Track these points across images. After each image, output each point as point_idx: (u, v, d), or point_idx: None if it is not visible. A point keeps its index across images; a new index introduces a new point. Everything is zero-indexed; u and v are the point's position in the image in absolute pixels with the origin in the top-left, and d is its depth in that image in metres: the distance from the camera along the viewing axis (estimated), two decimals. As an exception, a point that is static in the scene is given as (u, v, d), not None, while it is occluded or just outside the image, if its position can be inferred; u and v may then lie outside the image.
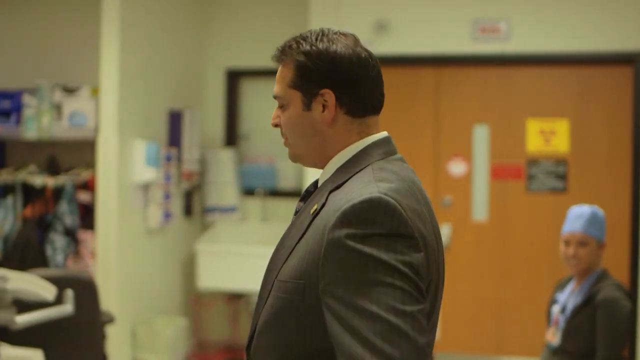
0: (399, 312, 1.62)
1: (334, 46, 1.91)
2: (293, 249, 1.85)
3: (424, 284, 1.71)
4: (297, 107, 1.94)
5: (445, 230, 6.49)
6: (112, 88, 5.97)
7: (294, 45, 1.94)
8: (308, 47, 1.92)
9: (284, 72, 1.96)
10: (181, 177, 6.91)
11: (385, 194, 1.73)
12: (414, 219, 1.74)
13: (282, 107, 1.98)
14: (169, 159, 6.61)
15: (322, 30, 1.96)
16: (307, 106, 1.93)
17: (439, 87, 6.70)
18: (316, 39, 1.93)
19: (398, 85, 6.52)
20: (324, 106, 1.91)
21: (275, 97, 1.99)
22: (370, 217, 1.70)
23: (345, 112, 1.92)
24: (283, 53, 1.97)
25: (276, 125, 2.01)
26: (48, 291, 3.95)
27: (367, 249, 1.67)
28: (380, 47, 6.35)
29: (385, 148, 1.94)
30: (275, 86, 2.00)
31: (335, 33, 1.95)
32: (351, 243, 1.68)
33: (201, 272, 6.72)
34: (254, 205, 7.29)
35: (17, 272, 4.07)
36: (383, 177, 1.80)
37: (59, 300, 4.09)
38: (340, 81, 1.91)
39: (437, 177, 6.65)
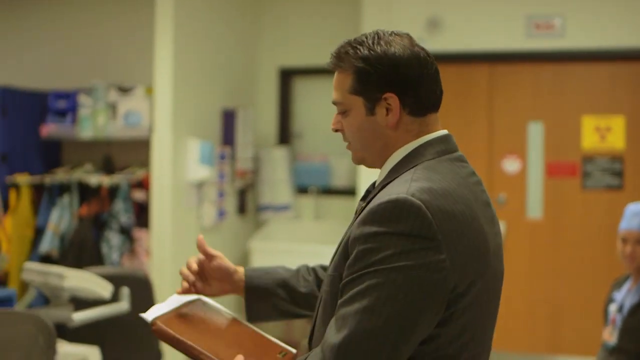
0: (380, 301, 1.70)
1: (392, 48, 1.90)
2: (339, 245, 1.91)
3: (445, 284, 1.73)
4: (359, 112, 1.93)
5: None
6: (166, 87, 6.02)
7: (351, 51, 1.93)
8: (366, 52, 1.90)
9: (342, 79, 1.95)
10: (235, 176, 6.95)
11: (413, 195, 1.75)
12: (442, 221, 1.74)
13: (342, 112, 1.97)
14: (222, 157, 6.65)
15: (377, 33, 1.94)
16: (371, 111, 1.92)
17: (493, 84, 6.65)
18: (373, 43, 1.91)
19: (451, 83, 6.48)
20: (387, 110, 1.91)
21: (334, 104, 1.99)
22: (393, 216, 1.74)
23: (408, 113, 1.92)
24: (339, 59, 1.96)
25: (337, 131, 2.02)
26: (104, 289, 4.00)
27: (382, 245, 1.72)
28: (433, 44, 6.31)
29: (440, 147, 1.94)
30: (333, 92, 1.99)
31: (390, 34, 1.94)
32: (369, 239, 1.74)
33: (255, 270, 6.74)
34: (308, 203, 7.31)
35: (74, 270, 4.13)
36: (420, 177, 1.82)
37: (115, 298, 4.14)
38: (401, 83, 1.90)
39: (491, 175, 6.60)
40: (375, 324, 1.69)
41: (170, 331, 1.95)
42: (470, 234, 1.80)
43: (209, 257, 2.21)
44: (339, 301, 1.76)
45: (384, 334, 1.69)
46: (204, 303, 2.14)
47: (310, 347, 1.98)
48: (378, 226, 1.74)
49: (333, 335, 1.72)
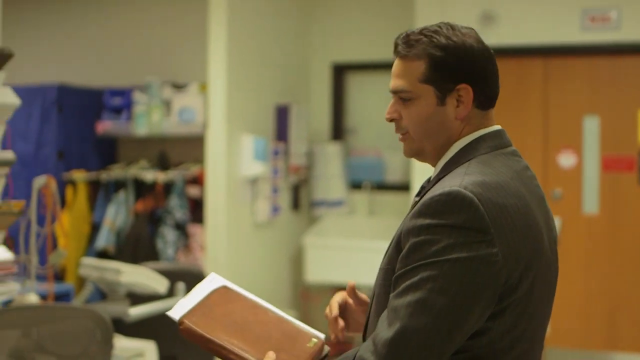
0: (433, 294, 1.70)
1: (468, 40, 1.89)
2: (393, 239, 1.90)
3: (496, 278, 1.72)
4: (429, 102, 1.89)
5: (554, 224, 6.37)
6: (220, 84, 6.06)
7: (424, 39, 1.89)
8: (444, 41, 1.88)
9: (412, 66, 1.90)
10: (289, 171, 6.97)
11: (466, 187, 1.74)
12: (494, 214, 1.74)
13: (404, 101, 1.92)
14: (276, 153, 6.68)
15: (450, 24, 1.92)
16: (441, 101, 1.89)
17: (548, 78, 6.58)
18: (449, 33, 1.89)
19: (506, 77, 6.37)
20: (457, 101, 1.88)
21: (395, 92, 1.93)
22: (445, 209, 1.73)
23: (476, 106, 1.90)
24: (409, 46, 1.91)
25: (392, 120, 1.96)
26: (160, 284, 4.04)
27: (435, 237, 1.72)
28: (487, 38, 6.20)
29: (494, 141, 1.91)
30: (394, 80, 1.93)
31: (461, 27, 1.92)
32: (422, 231, 1.74)
33: (309, 266, 6.77)
34: (361, 198, 7.30)
35: (130, 265, 4.18)
36: (474, 171, 1.81)
37: (170, 293, 4.17)
38: (475, 75, 1.89)
39: (546, 170, 6.54)
40: (428, 317, 1.69)
41: (199, 330, 1.91)
42: (523, 227, 1.79)
43: (359, 302, 2.14)
44: (392, 294, 1.76)
45: (436, 328, 1.69)
46: (228, 290, 2.09)
47: (365, 339, 1.97)
48: (431, 218, 1.74)
49: (385, 328, 1.72)
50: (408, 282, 1.72)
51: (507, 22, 6.46)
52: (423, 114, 1.90)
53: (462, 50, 1.88)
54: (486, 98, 1.92)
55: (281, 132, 6.85)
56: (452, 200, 1.73)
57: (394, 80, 1.94)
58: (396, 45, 1.94)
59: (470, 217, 1.72)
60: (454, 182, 1.77)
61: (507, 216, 1.76)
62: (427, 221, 1.74)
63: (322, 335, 2.07)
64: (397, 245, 1.83)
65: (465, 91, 1.87)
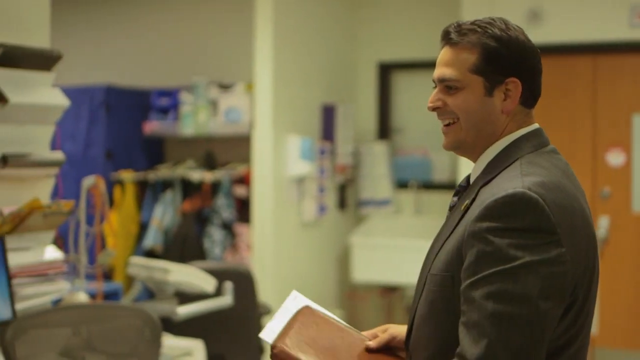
0: (516, 303, 1.65)
1: (521, 36, 1.89)
2: (444, 244, 1.86)
3: (567, 278, 1.71)
4: (477, 92, 1.87)
5: (603, 223, 6.30)
6: (267, 83, 6.07)
7: (478, 29, 1.88)
8: (499, 33, 1.87)
9: (462, 55, 1.88)
10: (335, 171, 6.97)
11: (529, 189, 1.72)
12: (558, 214, 1.72)
13: (450, 89, 1.90)
14: (322, 152, 6.68)
15: (502, 18, 1.91)
16: (489, 92, 1.87)
17: (596, 75, 6.50)
18: (502, 26, 1.88)
19: (554, 76, 6.36)
20: (505, 94, 1.87)
21: (441, 80, 1.91)
22: (512, 211, 1.70)
23: (521, 102, 1.89)
24: (462, 35, 1.89)
25: (434, 109, 1.94)
26: (208, 283, 4.05)
27: (504, 242, 1.68)
28: (534, 36, 6.17)
29: (536, 140, 1.90)
30: (441, 68, 1.91)
31: (513, 24, 1.91)
32: (490, 236, 1.69)
33: (356, 265, 6.76)
34: (408, 198, 7.28)
35: (178, 264, 4.20)
36: (530, 172, 1.79)
37: (218, 292, 4.19)
38: (525, 71, 1.88)
39: (595, 168, 6.46)
40: (515, 329, 1.65)
41: (294, 354, 1.92)
42: (580, 226, 1.78)
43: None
44: (464, 306, 1.71)
45: (525, 338, 1.66)
46: (311, 310, 2.07)
47: (408, 347, 1.94)
48: (497, 222, 1.70)
49: (471, 345, 1.67)
50: (484, 293, 1.68)
51: (554, 19, 6.39)
52: (469, 105, 1.88)
53: (515, 44, 1.87)
54: (532, 95, 1.90)
55: (327, 132, 6.84)
56: (518, 202, 1.70)
57: (440, 69, 1.91)
58: (447, 33, 1.91)
59: (537, 219, 1.69)
60: (515, 184, 1.74)
61: (568, 216, 1.74)
62: (493, 224, 1.70)
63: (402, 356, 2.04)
64: (458, 251, 1.79)
65: (514, 85, 1.86)
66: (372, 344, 2.02)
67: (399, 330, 2.04)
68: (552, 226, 1.70)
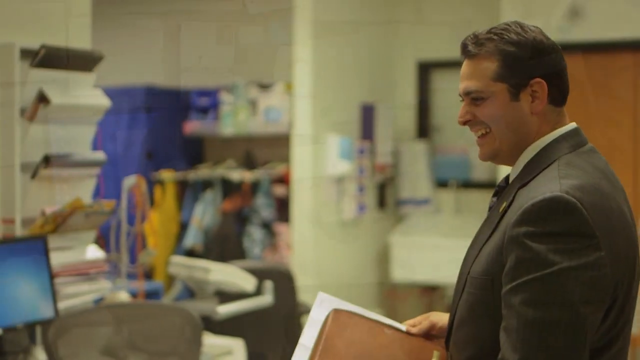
0: (555, 309, 1.65)
1: (538, 36, 1.87)
2: (483, 246, 1.84)
3: (607, 281, 1.69)
4: (503, 99, 1.87)
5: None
6: (306, 83, 6.07)
7: (494, 37, 1.87)
8: (515, 37, 1.86)
9: (483, 65, 1.89)
10: (374, 170, 6.95)
11: (567, 192, 1.70)
12: (596, 217, 1.70)
13: (476, 101, 1.90)
14: (362, 152, 6.67)
15: (517, 22, 1.90)
16: (515, 97, 1.86)
17: (638, 72, 6.42)
18: (518, 29, 1.88)
19: (594, 73, 6.29)
20: (532, 96, 1.86)
21: (466, 93, 1.92)
22: (550, 215, 1.69)
23: (550, 102, 1.87)
24: (479, 45, 1.90)
25: (465, 123, 1.96)
26: (248, 282, 4.06)
27: (542, 247, 1.67)
28: (573, 33, 6.15)
29: (574, 140, 1.88)
30: (464, 82, 1.93)
31: (529, 25, 1.90)
32: (528, 241, 1.68)
33: (395, 265, 6.74)
34: (448, 197, 7.24)
35: (218, 263, 4.22)
36: (568, 174, 1.77)
37: (258, 291, 4.20)
38: (549, 69, 1.87)
39: (636, 167, 6.38)
40: (555, 335, 1.65)
41: None
42: (619, 228, 1.76)
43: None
44: (505, 311, 1.71)
45: (565, 343, 1.65)
46: (340, 313, 2.03)
47: (448, 347, 1.94)
48: (535, 227, 1.69)
49: (511, 352, 1.67)
50: (523, 299, 1.67)
51: (594, 16, 6.32)
52: (498, 112, 1.88)
53: (533, 45, 1.85)
54: (559, 93, 1.88)
55: (367, 131, 6.83)
56: (556, 205, 1.69)
57: (464, 83, 1.92)
58: (465, 46, 1.93)
59: (575, 223, 1.68)
60: (553, 187, 1.73)
61: (607, 219, 1.73)
62: (531, 229, 1.69)
63: (441, 346, 2.02)
64: (497, 255, 1.77)
65: (540, 85, 1.85)
66: (413, 329, 2.05)
67: (441, 317, 2.05)
68: (590, 230, 1.68)
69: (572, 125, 1.91)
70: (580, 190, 1.72)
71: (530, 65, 1.85)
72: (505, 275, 1.72)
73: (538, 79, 1.85)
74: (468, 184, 7.17)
